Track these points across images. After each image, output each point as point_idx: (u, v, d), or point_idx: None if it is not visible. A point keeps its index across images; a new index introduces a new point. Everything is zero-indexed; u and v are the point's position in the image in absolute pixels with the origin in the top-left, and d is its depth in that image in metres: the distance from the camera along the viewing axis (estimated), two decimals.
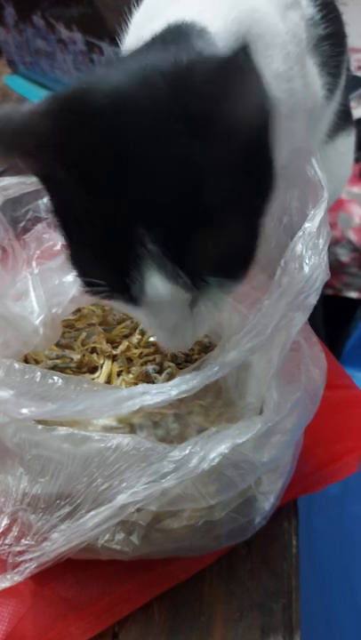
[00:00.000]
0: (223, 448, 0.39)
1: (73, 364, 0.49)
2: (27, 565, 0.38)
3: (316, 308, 0.92)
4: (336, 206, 1.33)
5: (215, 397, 0.46)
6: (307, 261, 0.41)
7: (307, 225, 0.41)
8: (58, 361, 0.48)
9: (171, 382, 0.38)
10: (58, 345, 0.50)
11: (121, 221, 0.34)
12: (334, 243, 1.35)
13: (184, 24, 0.41)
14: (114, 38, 0.55)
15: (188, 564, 0.49)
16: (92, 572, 0.47)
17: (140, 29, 0.48)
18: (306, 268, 0.41)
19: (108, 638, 0.47)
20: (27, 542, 0.38)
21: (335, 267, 1.36)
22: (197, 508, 0.41)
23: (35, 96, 1.03)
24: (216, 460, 0.38)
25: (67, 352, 0.49)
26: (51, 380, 0.39)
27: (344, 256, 1.34)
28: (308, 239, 0.41)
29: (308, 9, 0.52)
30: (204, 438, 0.39)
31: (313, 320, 0.88)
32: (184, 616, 0.48)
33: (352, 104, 1.47)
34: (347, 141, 0.68)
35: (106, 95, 0.35)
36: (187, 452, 0.38)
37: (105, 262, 0.36)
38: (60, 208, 0.38)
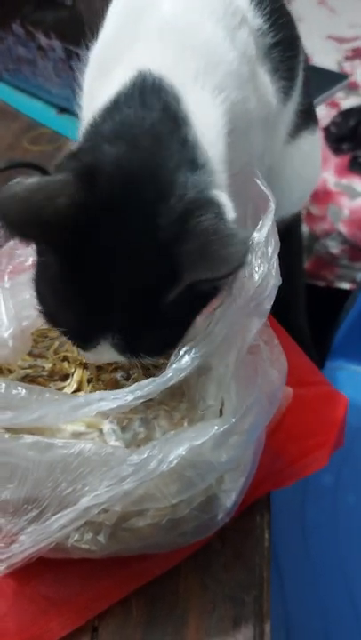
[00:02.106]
0: (181, 450, 0.41)
1: (45, 373, 0.51)
2: None
3: (298, 307, 0.93)
4: (325, 199, 1.34)
5: (179, 401, 0.48)
6: (256, 269, 0.43)
7: (255, 235, 0.43)
8: (30, 370, 0.50)
9: (127, 389, 0.40)
10: (31, 354, 0.52)
11: (98, 306, 0.42)
12: (325, 235, 1.36)
13: (150, 79, 0.45)
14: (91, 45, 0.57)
15: (162, 559, 0.51)
16: (70, 570, 0.50)
17: (101, 65, 0.51)
18: (256, 276, 0.42)
19: (88, 632, 0.49)
20: None
21: (326, 259, 1.37)
22: (161, 507, 0.43)
23: (18, 102, 1.05)
24: (174, 462, 0.41)
25: (39, 361, 0.51)
26: (15, 391, 0.41)
27: (335, 248, 1.35)
28: (256, 248, 0.43)
29: (254, 20, 0.54)
30: (162, 441, 0.41)
31: (295, 319, 0.89)
32: (160, 609, 0.51)
33: (339, 94, 1.48)
34: (310, 139, 0.69)
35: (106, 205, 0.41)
36: (145, 455, 0.40)
37: (70, 319, 0.44)
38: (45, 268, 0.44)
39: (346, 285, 1.37)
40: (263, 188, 0.45)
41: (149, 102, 0.44)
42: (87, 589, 0.50)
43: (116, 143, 0.43)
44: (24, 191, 0.39)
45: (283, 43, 0.56)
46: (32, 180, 0.40)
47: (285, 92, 0.59)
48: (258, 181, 0.46)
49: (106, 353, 0.44)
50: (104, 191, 0.41)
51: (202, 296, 0.44)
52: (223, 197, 0.43)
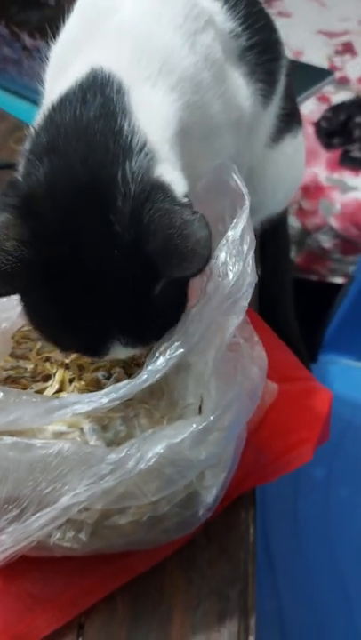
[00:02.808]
0: (159, 448, 0.41)
1: (27, 374, 0.51)
2: None
3: (286, 303, 0.93)
4: (317, 193, 1.34)
5: (159, 399, 0.49)
6: (231, 268, 0.43)
7: (230, 233, 0.43)
8: (12, 372, 0.51)
9: (102, 391, 0.41)
10: (14, 356, 0.53)
11: (95, 321, 0.43)
12: (316, 230, 1.36)
13: (103, 76, 0.45)
14: None
15: (147, 555, 0.51)
16: (55, 568, 0.50)
17: (59, 65, 0.51)
18: (230, 274, 0.43)
19: (74, 629, 0.50)
20: None
21: (318, 254, 1.37)
22: (141, 505, 0.43)
23: (4, 103, 1.05)
24: (152, 460, 0.41)
25: (21, 362, 0.52)
26: None
27: (326, 243, 1.36)
28: (231, 247, 0.43)
29: (226, 24, 0.53)
30: (141, 440, 0.42)
31: (284, 314, 0.90)
32: (145, 605, 0.51)
33: (330, 89, 1.48)
34: (294, 142, 0.69)
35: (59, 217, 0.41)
36: (123, 454, 0.41)
37: (75, 341, 0.45)
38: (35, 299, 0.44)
39: (338, 279, 1.37)
40: (239, 184, 0.45)
41: (89, 101, 0.43)
42: (72, 587, 0.50)
43: (49, 158, 0.42)
44: None
45: (259, 46, 0.56)
46: None
47: (264, 95, 0.59)
48: (234, 176, 0.46)
49: (121, 352, 0.45)
50: (47, 219, 0.41)
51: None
52: (169, 173, 0.43)
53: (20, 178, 0.44)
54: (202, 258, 0.39)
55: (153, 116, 0.45)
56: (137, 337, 0.44)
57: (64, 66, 0.49)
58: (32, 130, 0.46)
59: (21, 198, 0.42)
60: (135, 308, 0.43)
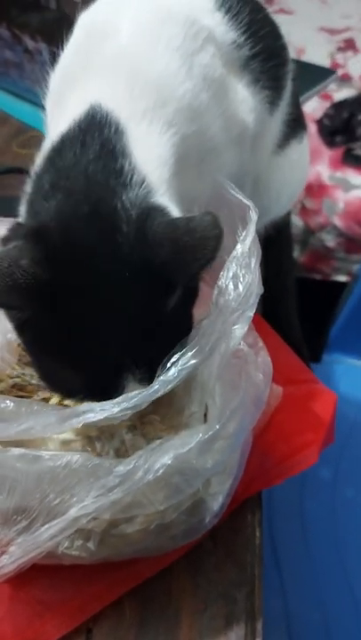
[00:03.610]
0: (166, 459, 0.42)
1: (33, 381, 0.52)
2: None
3: (288, 304, 0.93)
4: (320, 192, 1.34)
5: (167, 407, 0.49)
6: (241, 280, 0.43)
7: (239, 246, 0.44)
8: (18, 379, 0.51)
9: (114, 400, 0.41)
10: (20, 363, 0.53)
11: (106, 358, 0.42)
12: (320, 229, 1.36)
13: (101, 115, 0.45)
14: None
15: (154, 561, 0.52)
16: (64, 575, 0.51)
17: (59, 95, 0.51)
18: (240, 287, 0.43)
19: (82, 634, 0.51)
20: None
21: (322, 252, 1.37)
22: (149, 514, 0.44)
23: (6, 106, 1.05)
24: (160, 471, 0.41)
25: (27, 370, 0.52)
26: (3, 405, 0.42)
27: (330, 241, 1.36)
28: (241, 259, 0.43)
29: (227, 35, 0.53)
30: (148, 451, 0.42)
31: (286, 316, 0.90)
32: (153, 609, 0.52)
33: (332, 86, 1.48)
34: (299, 148, 0.69)
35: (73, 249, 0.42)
36: (131, 465, 0.41)
37: (88, 384, 0.44)
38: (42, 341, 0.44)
39: (342, 278, 1.37)
40: (242, 198, 0.46)
41: (89, 141, 0.44)
42: (81, 593, 0.51)
43: (54, 196, 0.43)
44: None
45: (263, 53, 0.55)
46: None
47: (271, 102, 0.59)
48: (231, 190, 0.47)
49: (132, 389, 0.43)
50: (57, 244, 0.42)
51: (193, 287, 0.44)
52: (165, 200, 0.44)
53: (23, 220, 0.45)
54: (213, 239, 0.39)
55: (151, 157, 0.46)
56: (150, 367, 0.43)
57: (62, 99, 0.50)
58: (33, 173, 0.47)
59: (31, 230, 0.43)
60: (150, 331, 0.43)
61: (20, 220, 0.46)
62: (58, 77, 0.54)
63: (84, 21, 0.53)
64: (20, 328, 0.44)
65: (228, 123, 0.53)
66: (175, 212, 0.44)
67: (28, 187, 0.47)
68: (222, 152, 0.53)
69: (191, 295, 0.45)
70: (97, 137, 0.44)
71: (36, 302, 0.41)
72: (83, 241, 0.42)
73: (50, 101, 0.55)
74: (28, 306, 0.41)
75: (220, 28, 0.53)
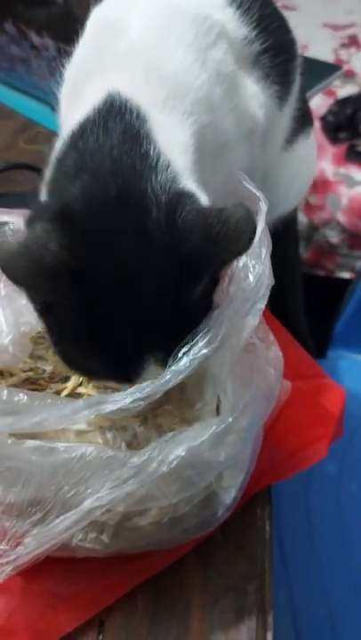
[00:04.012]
0: (180, 451, 0.42)
1: (46, 375, 0.52)
2: (4, 568, 0.41)
3: (295, 299, 0.94)
4: (324, 188, 1.34)
5: (179, 399, 0.49)
6: (251, 270, 0.43)
7: None
8: (30, 373, 0.52)
9: (126, 392, 0.41)
10: (32, 357, 0.54)
11: (129, 343, 0.42)
12: (323, 225, 1.36)
13: (121, 102, 0.45)
14: None
15: (165, 554, 0.52)
16: (77, 567, 0.51)
17: (74, 88, 0.51)
18: (251, 277, 0.43)
19: (95, 626, 0.51)
20: (2, 548, 0.42)
21: (326, 249, 1.38)
22: (162, 506, 0.44)
23: (13, 102, 1.05)
24: (174, 463, 0.42)
25: (39, 363, 0.53)
26: (17, 398, 0.42)
27: (334, 238, 1.36)
28: (250, 250, 0.43)
29: (238, 30, 0.53)
30: (162, 443, 0.42)
31: (293, 311, 0.90)
32: (165, 602, 0.52)
33: (336, 83, 1.48)
34: (306, 143, 0.69)
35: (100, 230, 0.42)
36: (145, 457, 0.41)
37: (110, 364, 0.44)
38: (63, 323, 0.44)
39: (346, 274, 1.38)
40: (253, 189, 0.46)
41: (111, 125, 0.44)
42: (93, 585, 0.51)
43: (79, 177, 0.43)
44: (19, 247, 0.40)
45: (273, 48, 0.56)
46: (16, 240, 0.41)
47: (280, 97, 0.59)
48: (245, 183, 0.47)
49: (151, 375, 0.44)
50: (85, 228, 0.42)
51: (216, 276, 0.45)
52: (191, 186, 0.44)
53: (55, 184, 0.45)
54: (247, 233, 0.39)
55: (174, 143, 0.46)
56: (171, 351, 0.43)
57: (78, 91, 0.50)
58: (53, 158, 0.47)
59: (58, 212, 0.42)
60: (175, 318, 0.43)
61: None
62: (72, 70, 0.54)
63: (96, 17, 0.54)
64: (44, 311, 0.44)
65: (240, 118, 0.53)
66: (203, 198, 0.44)
67: (48, 172, 0.46)
68: (234, 147, 0.53)
69: (215, 283, 0.45)
70: (119, 122, 0.44)
71: (62, 287, 0.41)
72: (111, 224, 0.42)
73: (64, 94, 0.55)
74: (54, 291, 0.41)
75: (232, 23, 0.53)
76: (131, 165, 0.43)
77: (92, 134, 0.44)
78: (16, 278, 0.41)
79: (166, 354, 0.43)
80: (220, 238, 0.40)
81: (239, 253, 0.41)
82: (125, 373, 0.44)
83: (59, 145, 0.48)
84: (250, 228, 0.40)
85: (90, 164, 0.43)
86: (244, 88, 0.54)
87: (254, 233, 0.40)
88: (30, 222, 0.43)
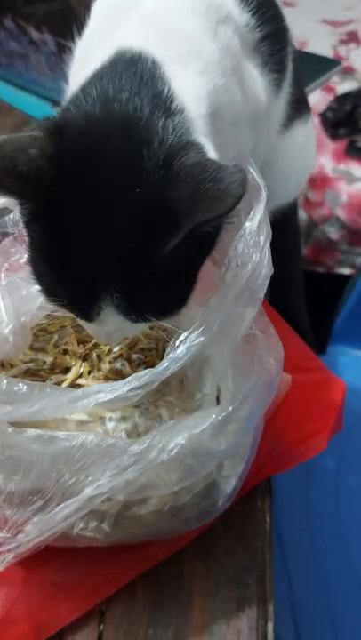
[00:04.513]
0: (180, 439, 0.42)
1: (46, 366, 0.52)
2: (5, 556, 0.42)
3: (296, 294, 0.94)
4: (323, 184, 1.34)
5: (179, 390, 0.49)
6: (248, 258, 0.43)
7: (247, 224, 0.44)
8: (31, 364, 0.52)
9: (124, 380, 0.41)
10: (32, 349, 0.54)
11: (91, 266, 0.41)
12: (323, 221, 1.36)
13: (134, 53, 0.45)
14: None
15: (166, 544, 0.52)
16: (77, 557, 0.51)
17: (84, 55, 0.52)
18: (248, 265, 0.43)
19: (96, 616, 0.51)
20: (3, 535, 0.42)
21: (326, 245, 1.38)
22: (162, 495, 0.44)
23: (12, 97, 1.05)
24: (174, 451, 0.42)
25: (40, 355, 0.53)
26: (16, 387, 0.42)
27: (334, 234, 1.36)
28: (248, 238, 0.43)
29: (241, 17, 0.54)
30: (162, 431, 0.42)
31: (294, 306, 0.90)
32: (166, 592, 0.52)
33: (335, 79, 1.48)
34: (304, 130, 0.69)
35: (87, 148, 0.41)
36: (145, 445, 0.41)
37: (67, 288, 0.43)
38: (36, 238, 0.43)
39: (346, 270, 1.38)
40: (255, 176, 0.46)
41: (131, 70, 0.44)
42: (94, 575, 0.51)
43: (89, 101, 0.43)
44: None
45: (271, 36, 0.56)
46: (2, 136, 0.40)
47: (277, 84, 0.59)
48: (251, 169, 0.47)
49: (111, 319, 0.42)
50: (76, 143, 0.41)
51: (201, 243, 0.43)
52: (203, 139, 0.43)
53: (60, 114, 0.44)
54: (233, 196, 0.38)
55: (188, 92, 0.45)
56: (132, 301, 0.42)
57: (89, 56, 0.50)
58: (66, 100, 0.46)
59: (55, 123, 0.42)
60: (138, 263, 0.41)
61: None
62: (83, 43, 0.54)
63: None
64: (26, 224, 0.43)
65: (246, 97, 0.53)
66: (211, 152, 0.43)
67: (62, 106, 0.45)
68: (245, 125, 0.54)
69: (198, 250, 0.43)
70: (135, 66, 0.44)
71: (35, 195, 0.40)
72: (103, 147, 0.41)
73: (74, 66, 0.55)
74: (26, 196, 0.40)
75: (236, 9, 0.53)
76: (148, 97, 0.42)
77: (105, 77, 0.44)
78: None
79: (124, 299, 0.41)
80: (206, 195, 0.38)
81: (220, 215, 0.38)
82: (83, 308, 0.43)
83: (70, 92, 0.47)
84: (238, 192, 0.37)
85: (101, 95, 0.42)
86: (248, 72, 0.54)
87: (239, 199, 0.38)
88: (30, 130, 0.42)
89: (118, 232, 0.40)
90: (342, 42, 1.57)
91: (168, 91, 0.43)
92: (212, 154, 0.43)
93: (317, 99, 1.38)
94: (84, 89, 0.45)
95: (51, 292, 0.44)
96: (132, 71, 0.44)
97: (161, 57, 0.45)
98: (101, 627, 0.50)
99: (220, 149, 0.45)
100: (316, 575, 0.92)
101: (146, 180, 0.40)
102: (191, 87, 0.46)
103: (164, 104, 0.42)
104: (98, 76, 0.45)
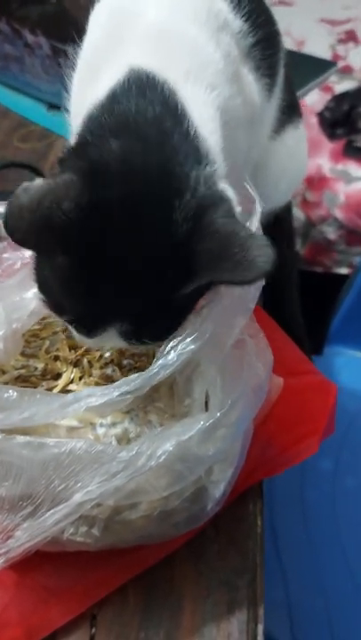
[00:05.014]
0: (168, 446, 0.42)
1: (38, 373, 0.52)
2: None
3: (291, 297, 0.94)
4: (321, 185, 1.34)
5: (169, 396, 0.50)
6: None
7: None
8: (22, 370, 0.52)
9: (114, 385, 0.42)
10: (23, 355, 0.54)
11: (109, 297, 0.43)
12: (321, 221, 1.36)
13: (143, 74, 0.45)
14: (78, 42, 0.58)
15: (157, 548, 0.53)
16: (69, 561, 0.52)
17: (89, 68, 0.52)
18: None
19: (87, 619, 0.51)
20: None
21: (323, 245, 1.38)
22: (152, 500, 0.45)
23: (7, 100, 1.06)
24: (163, 458, 0.42)
25: (31, 361, 0.53)
26: (6, 394, 0.42)
27: (331, 234, 1.36)
28: None
29: (235, 23, 0.54)
30: (151, 437, 0.43)
31: (289, 309, 0.90)
32: (156, 596, 0.52)
33: (333, 79, 1.48)
34: (295, 134, 0.70)
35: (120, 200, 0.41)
36: (134, 451, 0.42)
37: (78, 309, 0.44)
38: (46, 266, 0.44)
39: (343, 270, 1.38)
40: (250, 190, 0.46)
41: (149, 94, 0.44)
42: (85, 579, 0.52)
43: (121, 136, 0.42)
44: (30, 201, 0.39)
45: (263, 41, 0.56)
46: (38, 185, 0.40)
47: (268, 90, 0.60)
48: (245, 184, 0.47)
49: (110, 340, 0.44)
50: (112, 189, 0.41)
51: (207, 285, 0.45)
52: (230, 192, 0.44)
53: (87, 141, 0.44)
54: (260, 270, 0.39)
55: (205, 119, 0.46)
56: (137, 329, 0.44)
57: (94, 71, 0.50)
58: (85, 116, 0.46)
59: (90, 163, 0.42)
60: (155, 299, 0.43)
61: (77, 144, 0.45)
62: (87, 53, 0.54)
63: (108, 4, 0.54)
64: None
65: (245, 102, 0.54)
66: (237, 207, 0.44)
67: (79, 132, 0.45)
68: (243, 131, 0.54)
69: (206, 287, 0.45)
70: (152, 92, 0.44)
71: (62, 244, 0.41)
72: (140, 192, 0.41)
73: (77, 76, 0.55)
74: (53, 249, 0.41)
75: (230, 15, 0.54)
76: (177, 142, 0.42)
77: (128, 100, 0.44)
78: (17, 236, 0.40)
79: (131, 328, 0.43)
80: (233, 260, 0.39)
81: (240, 282, 0.41)
82: (87, 327, 0.44)
83: (79, 120, 0.47)
84: (265, 267, 0.39)
85: (132, 126, 0.43)
86: (245, 75, 0.55)
87: (265, 275, 0.40)
88: (60, 163, 0.42)
89: (141, 273, 0.42)
90: (341, 41, 1.57)
91: (191, 127, 0.44)
92: (237, 209, 0.44)
93: (315, 98, 1.38)
94: (106, 111, 0.45)
95: (57, 308, 0.45)
96: (155, 97, 0.44)
97: (170, 77, 0.46)
98: (93, 630, 0.51)
99: (222, 156, 0.46)
100: (313, 576, 0.92)
101: (175, 230, 0.41)
102: (205, 110, 0.46)
103: (193, 148, 0.43)
104: (118, 98, 0.45)
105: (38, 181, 0.40)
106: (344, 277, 1.32)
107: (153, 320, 0.44)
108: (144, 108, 0.43)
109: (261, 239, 0.40)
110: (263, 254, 0.39)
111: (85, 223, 0.40)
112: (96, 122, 0.44)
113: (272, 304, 0.73)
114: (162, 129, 0.43)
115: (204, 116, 0.46)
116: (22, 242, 0.41)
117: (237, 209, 0.44)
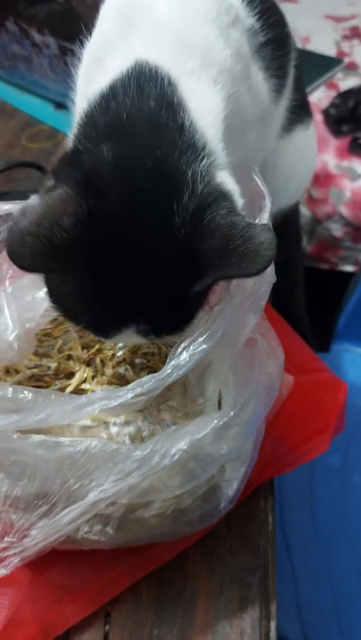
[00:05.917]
0: (182, 444, 0.43)
1: (50, 372, 0.53)
2: (11, 560, 0.42)
3: (297, 296, 0.94)
4: (327, 181, 1.34)
5: (182, 394, 0.50)
6: None
7: None
8: (35, 370, 0.52)
9: (127, 387, 0.42)
10: (36, 354, 0.54)
11: (122, 304, 0.43)
12: (327, 218, 1.36)
13: (150, 68, 0.45)
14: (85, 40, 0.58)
15: (170, 546, 0.53)
16: (83, 560, 0.52)
17: (95, 60, 0.52)
18: None
19: (101, 617, 0.52)
20: (9, 539, 0.43)
21: (329, 242, 1.38)
22: (165, 499, 0.45)
23: (15, 100, 1.06)
24: (176, 456, 0.42)
25: (44, 361, 0.53)
26: (21, 395, 0.43)
27: (337, 231, 1.36)
28: None
29: (247, 20, 0.54)
30: (165, 436, 0.43)
31: (295, 307, 0.90)
32: (170, 593, 0.53)
33: (339, 76, 1.47)
34: (305, 134, 0.70)
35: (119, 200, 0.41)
36: (148, 450, 0.42)
37: (92, 317, 0.45)
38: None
39: (349, 267, 1.37)
40: (260, 184, 0.46)
41: (146, 89, 0.44)
42: (99, 577, 0.52)
43: (114, 139, 0.42)
44: (30, 225, 0.39)
45: (274, 41, 0.56)
46: (35, 205, 0.40)
47: (277, 90, 0.60)
48: (255, 177, 0.47)
49: (129, 338, 0.45)
50: (109, 199, 0.41)
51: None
52: (230, 183, 0.44)
53: (80, 148, 0.43)
54: (264, 258, 0.39)
55: (204, 112, 0.45)
56: (154, 327, 0.44)
57: (100, 62, 0.50)
58: (82, 114, 0.46)
59: (84, 174, 0.41)
60: (168, 298, 0.43)
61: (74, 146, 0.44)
62: (93, 47, 0.54)
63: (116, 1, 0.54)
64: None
65: (254, 100, 0.54)
66: (237, 196, 0.43)
67: (76, 127, 0.45)
68: (252, 128, 0.54)
69: (211, 287, 0.45)
70: (152, 86, 0.44)
71: (70, 264, 0.41)
72: (137, 199, 0.41)
73: (84, 67, 0.55)
74: (63, 269, 0.41)
75: (242, 11, 0.54)
76: (172, 140, 0.42)
77: (124, 96, 0.44)
78: (21, 264, 0.39)
79: (149, 326, 0.44)
80: (236, 253, 0.39)
81: (248, 275, 0.41)
82: (104, 330, 0.45)
83: (80, 112, 0.46)
84: (268, 254, 0.39)
85: (126, 125, 0.42)
86: (255, 73, 0.55)
87: (271, 260, 0.39)
88: (54, 173, 0.42)
89: (150, 279, 0.42)
90: (345, 37, 1.57)
91: (189, 120, 0.43)
92: (238, 201, 0.44)
93: (320, 95, 1.37)
94: (102, 107, 0.44)
95: (71, 317, 0.46)
96: (154, 94, 0.44)
97: (174, 71, 0.45)
98: (107, 627, 0.51)
99: (230, 156, 0.46)
100: (322, 573, 0.92)
101: (176, 233, 0.41)
102: (207, 104, 0.46)
103: (189, 142, 0.43)
104: (116, 93, 0.44)
105: (34, 201, 0.40)
106: (350, 274, 1.32)
107: (168, 317, 0.44)
108: (139, 104, 0.43)
109: (260, 225, 0.40)
110: (264, 240, 0.39)
111: (88, 236, 0.40)
112: (90, 122, 0.44)
113: (279, 302, 0.73)
114: (155, 126, 0.42)
115: (203, 108, 0.45)
116: (28, 269, 0.40)
117: (240, 201, 0.44)
